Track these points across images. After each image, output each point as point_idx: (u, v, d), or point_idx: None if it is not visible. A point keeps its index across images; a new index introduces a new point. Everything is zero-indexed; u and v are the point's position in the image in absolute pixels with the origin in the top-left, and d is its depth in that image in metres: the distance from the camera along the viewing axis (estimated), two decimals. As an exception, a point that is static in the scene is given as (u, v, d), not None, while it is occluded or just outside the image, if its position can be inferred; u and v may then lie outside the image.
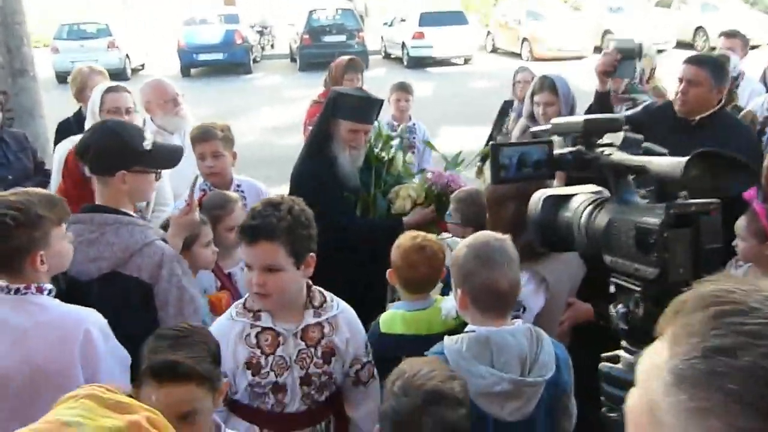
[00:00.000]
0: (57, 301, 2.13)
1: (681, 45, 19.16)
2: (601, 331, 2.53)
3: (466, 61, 20.55)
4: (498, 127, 5.66)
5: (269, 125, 12.44)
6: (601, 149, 1.32)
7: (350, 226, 3.28)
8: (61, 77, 15.52)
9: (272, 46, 25.75)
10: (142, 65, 20.72)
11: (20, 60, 5.25)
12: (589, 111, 3.67)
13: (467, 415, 1.67)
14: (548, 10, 21.47)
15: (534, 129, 1.60)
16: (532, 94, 3.90)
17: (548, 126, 1.47)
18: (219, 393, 1.84)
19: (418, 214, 3.33)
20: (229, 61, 19.60)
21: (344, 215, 3.30)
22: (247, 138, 11.26)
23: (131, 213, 2.50)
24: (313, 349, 2.22)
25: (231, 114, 12.36)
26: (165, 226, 2.78)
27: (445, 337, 2.03)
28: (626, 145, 1.30)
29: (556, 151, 1.40)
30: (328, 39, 19.51)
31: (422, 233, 2.62)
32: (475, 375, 1.87)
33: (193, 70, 19.67)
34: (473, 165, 3.80)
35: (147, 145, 2.50)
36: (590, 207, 1.31)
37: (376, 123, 3.60)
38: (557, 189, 1.46)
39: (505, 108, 5.70)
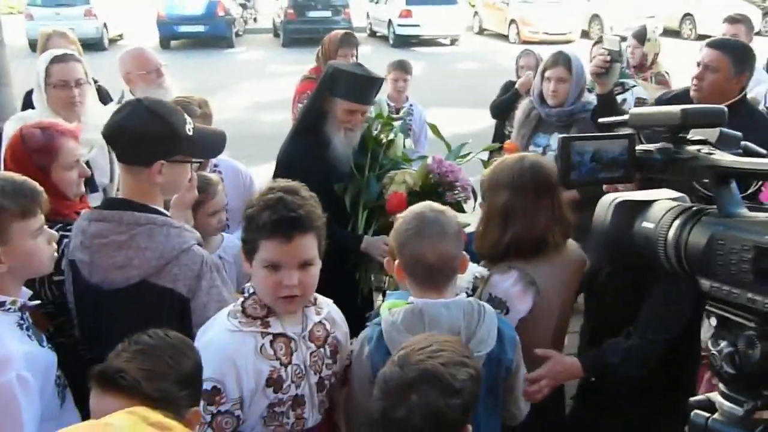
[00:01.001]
0: None
1: (667, 32, 18.99)
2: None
3: (453, 42, 20.24)
4: (504, 107, 5.28)
5: (251, 102, 12.09)
6: (695, 147, 1.06)
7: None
8: (35, 45, 14.90)
9: (255, 20, 25.19)
10: (120, 35, 20.07)
11: (-14, 25, 4.85)
12: (594, 115, 3.46)
13: (462, 408, 1.56)
14: (537, -8, 21.18)
15: (603, 120, 1.33)
16: (544, 70, 3.67)
17: (623, 116, 1.21)
18: (187, 423, 1.52)
19: (375, 245, 3.02)
20: (211, 34, 19.05)
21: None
22: (227, 114, 10.90)
23: (164, 211, 2.12)
24: (322, 350, 1.98)
25: (211, 89, 11.96)
26: None
27: (382, 309, 2.03)
28: (722, 143, 1.05)
29: (640, 148, 1.14)
30: (313, 14, 19.07)
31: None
32: None
33: (173, 42, 19.12)
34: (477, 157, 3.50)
35: (189, 129, 2.11)
36: (681, 218, 1.06)
37: (378, 101, 3.33)
38: (632, 193, 1.19)
39: (508, 87, 5.40)
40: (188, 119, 2.15)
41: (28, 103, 3.89)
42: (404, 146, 3.38)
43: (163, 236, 2.02)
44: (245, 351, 1.84)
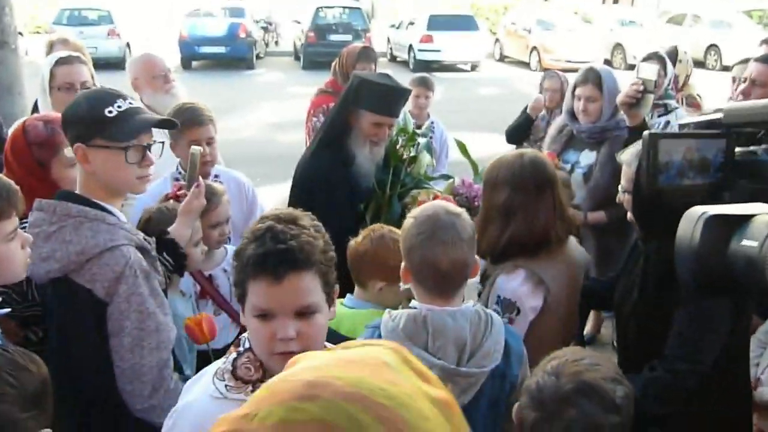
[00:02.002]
0: None
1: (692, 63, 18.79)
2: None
3: (473, 68, 20.19)
4: (519, 131, 5.21)
5: (270, 122, 12.04)
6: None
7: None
8: (58, 62, 15.05)
9: (276, 43, 25.38)
10: (143, 55, 20.28)
11: (0, 30, 4.75)
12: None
13: (620, 427, 1.43)
14: (558, 20, 21.13)
15: (689, 120, 1.13)
16: (575, 87, 3.51)
17: (715, 114, 1.01)
18: None
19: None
20: (232, 56, 19.17)
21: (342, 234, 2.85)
22: (245, 133, 10.86)
23: (109, 207, 1.96)
24: None
25: (231, 109, 11.96)
26: (148, 219, 2.35)
27: (385, 312, 1.87)
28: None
29: (740, 150, 0.94)
30: (333, 38, 19.09)
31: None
32: None
33: (194, 63, 19.26)
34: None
35: (110, 111, 1.88)
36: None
37: (407, 116, 3.17)
38: (724, 207, 0.99)
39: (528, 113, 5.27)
40: (121, 101, 1.92)
41: (36, 112, 3.77)
42: (430, 164, 3.22)
43: (91, 231, 1.87)
44: None
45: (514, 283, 2.22)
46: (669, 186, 0.97)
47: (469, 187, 2.88)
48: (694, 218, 1.00)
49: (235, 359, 1.52)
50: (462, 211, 1.89)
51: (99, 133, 1.88)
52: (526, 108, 5.27)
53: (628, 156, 2.27)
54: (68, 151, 2.20)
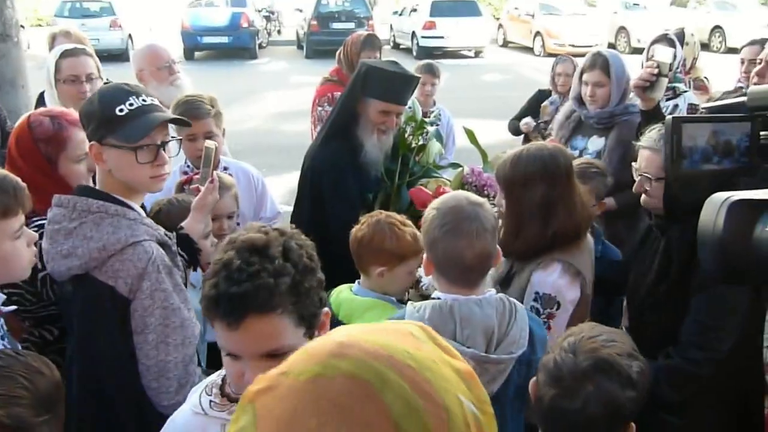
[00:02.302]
0: None
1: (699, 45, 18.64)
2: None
3: (477, 54, 20.08)
4: (526, 114, 5.26)
5: (274, 112, 12.00)
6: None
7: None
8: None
9: (279, 32, 25.29)
10: (145, 46, 20.23)
11: (1, 23, 4.71)
12: (638, 133, 3.21)
13: (636, 402, 1.46)
14: (562, 4, 20.96)
15: (712, 104, 1.10)
16: (582, 72, 3.45)
17: (737, 97, 0.99)
18: None
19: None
20: (235, 45, 19.12)
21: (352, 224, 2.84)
22: (249, 124, 10.84)
23: (129, 202, 1.93)
24: None
25: (234, 99, 11.92)
26: (158, 212, 2.35)
27: (408, 304, 1.87)
28: None
29: (765, 133, 0.91)
30: (336, 26, 19.02)
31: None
32: None
33: (197, 53, 19.22)
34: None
35: (122, 109, 1.86)
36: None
37: (415, 104, 3.13)
38: (749, 193, 0.96)
39: (539, 98, 5.29)
40: (134, 99, 1.88)
41: (41, 105, 3.75)
42: (439, 153, 3.19)
43: (112, 227, 1.84)
44: None
45: (552, 277, 2.18)
46: (693, 171, 0.94)
47: (478, 175, 2.83)
48: (717, 204, 0.97)
49: (225, 375, 1.45)
50: (484, 201, 1.87)
51: (110, 132, 1.87)
52: (538, 93, 5.28)
53: (652, 141, 2.21)
54: (79, 147, 2.19)
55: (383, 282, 2.25)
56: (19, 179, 1.78)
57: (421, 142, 3.06)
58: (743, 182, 1.18)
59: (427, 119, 3.52)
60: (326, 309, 1.42)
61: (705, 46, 19.41)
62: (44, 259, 1.90)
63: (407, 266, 2.25)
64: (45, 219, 2.06)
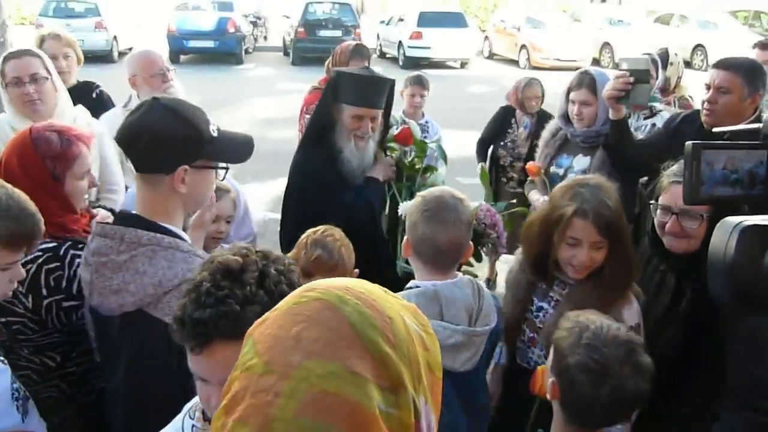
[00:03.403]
0: None
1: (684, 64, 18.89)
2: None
3: (463, 65, 20.20)
4: (495, 133, 5.27)
5: (259, 118, 11.97)
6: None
7: (359, 210, 2.88)
8: (44, 55, 14.85)
9: (265, 38, 25.24)
10: (130, 48, 20.03)
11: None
12: (605, 144, 3.28)
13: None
14: (548, 19, 21.21)
15: (726, 128, 1.11)
16: (568, 91, 3.47)
17: (756, 124, 1.00)
18: None
19: (382, 167, 2.96)
20: (221, 50, 19.05)
21: (347, 209, 2.86)
22: (235, 129, 10.72)
23: (178, 231, 1.83)
24: None
25: (219, 104, 11.88)
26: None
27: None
28: None
29: None
30: (323, 33, 19.05)
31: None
32: None
33: (182, 57, 19.10)
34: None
35: (213, 130, 1.83)
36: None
37: (413, 124, 3.13)
38: (760, 218, 0.96)
39: (504, 115, 5.29)
40: (211, 120, 1.87)
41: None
42: (443, 176, 3.22)
43: (166, 261, 1.72)
44: None
45: (634, 307, 2.22)
46: (711, 197, 0.96)
47: (492, 216, 2.72)
48: (729, 228, 0.96)
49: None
50: (465, 198, 2.05)
51: (204, 153, 1.82)
52: (502, 110, 5.33)
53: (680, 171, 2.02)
54: (84, 164, 2.14)
55: None
56: (38, 212, 1.72)
57: (425, 165, 3.05)
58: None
59: (430, 142, 3.51)
60: None
61: (687, 64, 19.60)
62: (86, 291, 1.81)
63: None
64: (48, 242, 2.01)
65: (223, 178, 1.97)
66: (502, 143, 5.20)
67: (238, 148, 1.96)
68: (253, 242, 2.51)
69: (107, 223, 1.86)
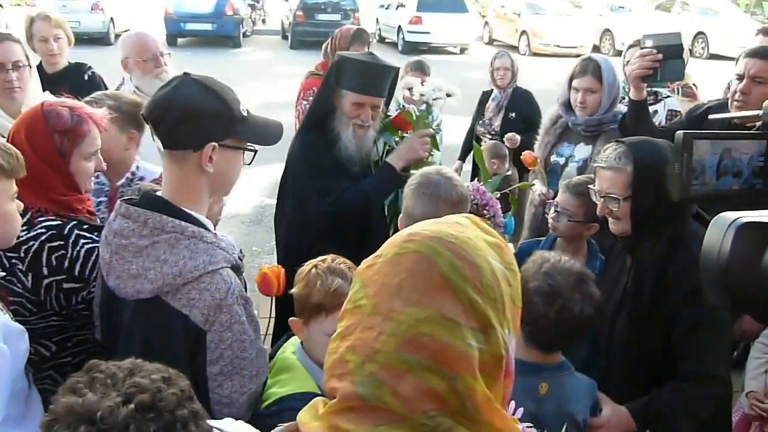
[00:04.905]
0: None
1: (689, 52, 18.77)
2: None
3: (462, 51, 20.05)
4: (476, 117, 5.44)
5: (257, 102, 11.83)
6: None
7: (348, 200, 2.82)
8: (40, 36, 14.69)
9: (264, 21, 25.03)
10: (127, 30, 19.85)
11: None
12: (622, 125, 3.15)
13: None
14: (548, 5, 21.02)
15: (723, 115, 1.06)
16: (571, 78, 3.38)
17: (755, 111, 0.95)
18: None
19: (406, 148, 2.91)
20: (218, 33, 18.88)
21: (343, 191, 2.83)
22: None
23: (202, 218, 1.76)
24: None
25: (217, 87, 11.75)
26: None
27: None
28: None
29: None
30: (322, 17, 18.89)
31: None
32: None
33: (179, 40, 18.95)
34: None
35: (244, 110, 1.77)
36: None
37: (413, 109, 3.07)
38: (757, 214, 0.88)
39: (482, 99, 5.44)
40: (241, 99, 1.80)
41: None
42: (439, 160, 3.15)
43: (188, 251, 1.67)
44: None
45: None
46: (703, 193, 0.88)
47: (482, 194, 2.68)
48: (724, 225, 0.88)
49: None
50: (455, 176, 2.17)
51: (233, 132, 1.76)
52: (479, 101, 5.54)
53: (612, 161, 2.12)
54: (92, 145, 2.11)
55: (311, 340, 1.95)
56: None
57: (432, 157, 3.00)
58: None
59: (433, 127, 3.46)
60: None
61: (688, 52, 19.56)
62: (103, 270, 1.76)
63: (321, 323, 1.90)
64: (52, 219, 1.99)
65: (251, 162, 1.88)
66: (480, 121, 5.38)
67: (267, 130, 1.88)
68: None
69: (131, 200, 1.78)
